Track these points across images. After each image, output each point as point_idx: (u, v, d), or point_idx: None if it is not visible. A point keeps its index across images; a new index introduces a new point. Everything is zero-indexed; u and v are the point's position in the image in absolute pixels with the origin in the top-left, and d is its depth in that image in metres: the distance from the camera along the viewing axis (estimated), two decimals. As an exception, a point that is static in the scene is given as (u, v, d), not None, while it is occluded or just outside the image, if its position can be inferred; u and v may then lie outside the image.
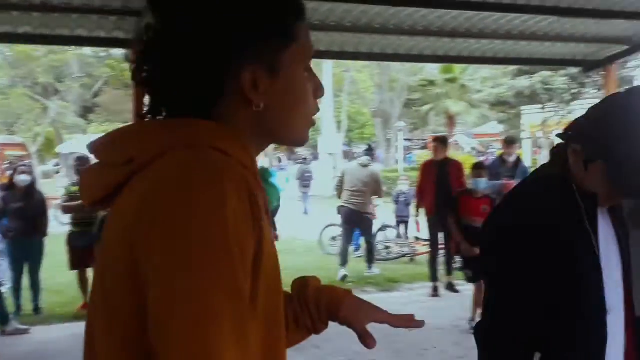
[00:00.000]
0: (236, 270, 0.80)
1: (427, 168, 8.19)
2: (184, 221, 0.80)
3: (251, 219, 0.84)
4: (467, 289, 6.94)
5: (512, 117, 30.21)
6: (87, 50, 28.28)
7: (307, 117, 1.02)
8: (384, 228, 11.25)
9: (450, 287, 8.11)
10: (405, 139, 40.35)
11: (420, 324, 1.19)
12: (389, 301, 7.62)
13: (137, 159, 0.88)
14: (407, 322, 1.20)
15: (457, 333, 6.27)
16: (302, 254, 11.07)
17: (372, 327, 1.19)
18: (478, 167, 6.65)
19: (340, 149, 30.34)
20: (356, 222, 9.09)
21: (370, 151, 10.39)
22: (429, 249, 8.40)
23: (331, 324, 1.23)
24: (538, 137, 27.74)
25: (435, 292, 7.94)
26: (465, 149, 33.14)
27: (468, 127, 39.59)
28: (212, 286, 0.78)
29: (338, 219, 9.57)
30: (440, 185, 7.84)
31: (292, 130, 1.01)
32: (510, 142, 8.53)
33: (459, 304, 7.11)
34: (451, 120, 37.13)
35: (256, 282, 0.84)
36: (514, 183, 7.65)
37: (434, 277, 8.12)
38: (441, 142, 8.35)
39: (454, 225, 6.50)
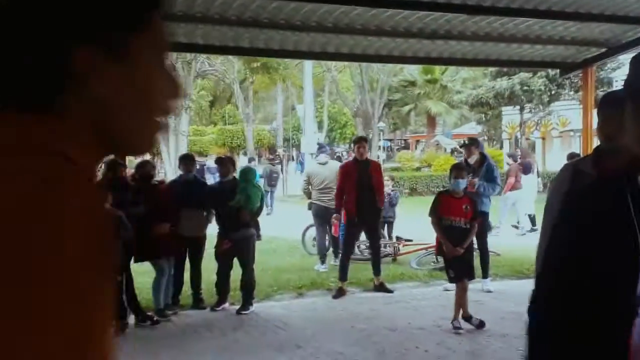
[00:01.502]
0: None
1: (348, 169, 8.18)
2: None
3: (97, 264, 0.66)
4: (450, 289, 6.98)
5: (492, 118, 30.48)
6: None
7: (155, 118, 0.84)
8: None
9: (383, 288, 8.10)
10: (385, 139, 40.54)
11: None
12: (371, 301, 7.66)
13: None
14: None
15: (439, 333, 6.29)
16: (284, 254, 11.09)
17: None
18: (458, 168, 6.68)
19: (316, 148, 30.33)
20: (326, 218, 9.21)
21: (322, 148, 10.92)
22: (345, 250, 8.33)
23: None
24: (517, 137, 28.01)
25: (339, 293, 7.88)
26: (447, 150, 33.37)
27: (448, 128, 39.86)
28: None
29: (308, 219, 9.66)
30: (363, 186, 7.95)
31: (136, 132, 0.82)
32: (467, 145, 8.51)
33: (441, 304, 7.16)
34: (431, 120, 37.38)
35: None
36: (476, 180, 7.72)
37: (343, 277, 8.05)
38: (366, 142, 8.63)
39: (435, 226, 6.52)
